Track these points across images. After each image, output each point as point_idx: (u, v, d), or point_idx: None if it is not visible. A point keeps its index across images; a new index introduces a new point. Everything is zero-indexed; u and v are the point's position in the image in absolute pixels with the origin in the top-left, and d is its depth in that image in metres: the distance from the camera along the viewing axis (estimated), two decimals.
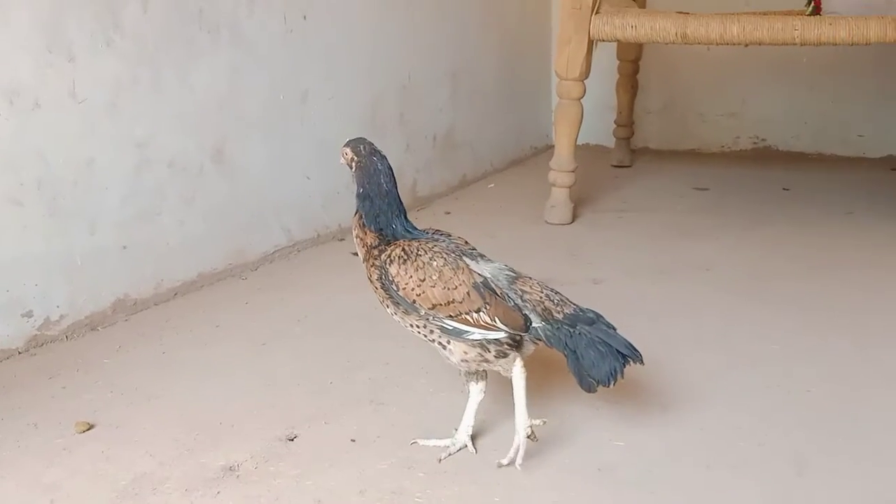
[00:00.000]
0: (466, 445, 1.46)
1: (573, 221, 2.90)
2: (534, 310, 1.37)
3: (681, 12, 2.66)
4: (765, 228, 2.74)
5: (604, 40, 2.76)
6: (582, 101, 2.80)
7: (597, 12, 2.68)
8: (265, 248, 2.52)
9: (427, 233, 1.47)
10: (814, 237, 2.63)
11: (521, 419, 1.40)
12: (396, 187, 1.49)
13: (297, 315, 2.12)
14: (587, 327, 1.36)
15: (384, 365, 1.81)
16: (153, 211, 2.17)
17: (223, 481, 1.38)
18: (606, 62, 3.54)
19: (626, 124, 3.76)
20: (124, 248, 2.10)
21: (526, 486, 1.36)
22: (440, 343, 1.40)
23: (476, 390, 1.46)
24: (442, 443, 1.46)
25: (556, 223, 2.88)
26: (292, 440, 1.51)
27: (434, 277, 1.36)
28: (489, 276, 1.40)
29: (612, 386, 1.33)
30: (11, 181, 1.85)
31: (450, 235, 1.48)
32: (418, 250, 1.40)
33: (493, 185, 3.51)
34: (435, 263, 1.38)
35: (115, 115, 2.04)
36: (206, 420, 1.60)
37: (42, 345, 1.93)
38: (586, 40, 2.69)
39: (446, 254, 1.40)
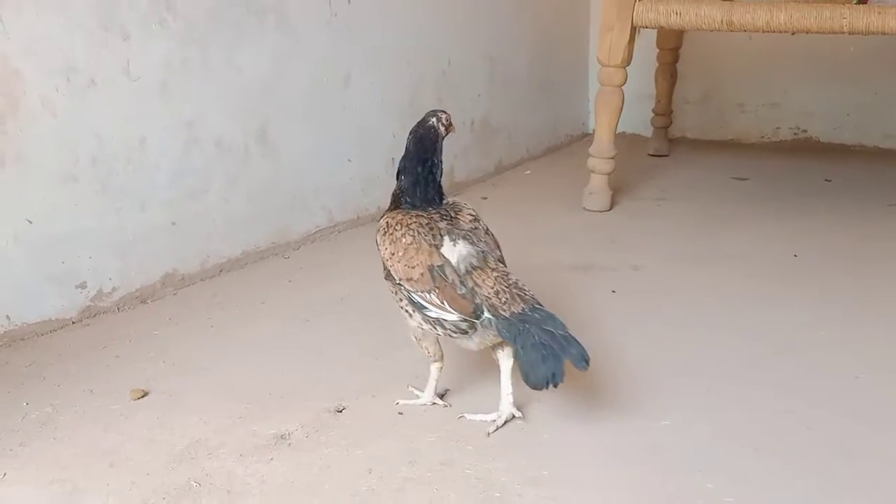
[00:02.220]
0: (514, 415, 1.48)
1: (611, 209, 2.90)
2: (483, 302, 1.38)
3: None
4: (806, 219, 2.71)
5: (647, 27, 2.75)
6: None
7: None
8: (307, 229, 2.56)
9: (443, 204, 1.52)
10: (856, 228, 2.60)
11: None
12: (432, 156, 1.54)
13: (339, 294, 2.15)
14: (534, 327, 1.34)
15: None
16: (200, 189, 2.22)
17: (276, 448, 1.42)
18: (645, 51, 3.52)
19: (665, 113, 3.74)
20: (173, 224, 2.15)
21: (574, 462, 1.38)
22: (406, 311, 1.47)
23: (504, 356, 1.47)
24: (489, 417, 1.48)
25: (594, 210, 2.88)
26: (341, 412, 1.54)
27: (399, 254, 1.44)
28: (455, 260, 1.42)
29: (550, 388, 1.31)
30: (68, 158, 1.90)
31: (460, 210, 1.51)
32: (397, 224, 1.47)
33: (529, 171, 3.51)
34: (403, 240, 1.44)
35: (165, 95, 2.08)
36: (256, 391, 1.64)
37: (94, 315, 1.99)
38: (629, 27, 2.68)
39: (418, 232, 1.44)
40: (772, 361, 1.74)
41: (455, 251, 1.43)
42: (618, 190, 3.00)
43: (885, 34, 2.38)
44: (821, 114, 3.79)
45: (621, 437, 1.45)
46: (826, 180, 3.22)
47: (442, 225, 1.46)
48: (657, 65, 3.68)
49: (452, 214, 1.50)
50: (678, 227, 2.69)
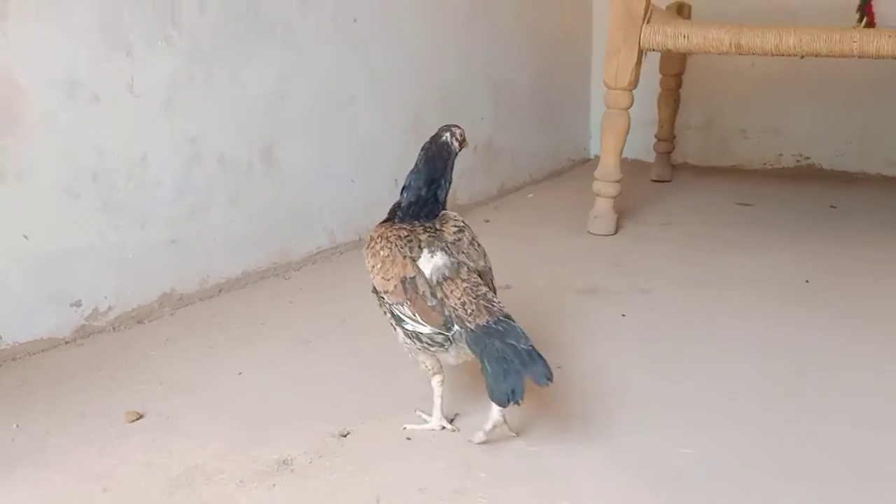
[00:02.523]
0: (503, 421, 1.42)
1: (616, 233, 2.87)
2: (451, 314, 1.36)
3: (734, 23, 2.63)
4: (813, 244, 2.68)
5: (654, 50, 2.73)
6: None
7: (647, 21, 2.66)
8: (308, 249, 2.52)
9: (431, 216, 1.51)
10: (865, 254, 2.57)
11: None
12: (440, 177, 1.54)
13: (340, 315, 2.10)
14: (498, 340, 1.30)
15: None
16: (202, 207, 2.17)
17: (278, 474, 1.36)
18: (648, 76, 3.50)
19: (668, 139, 3.72)
20: (173, 242, 2.10)
21: (593, 488, 1.33)
22: (391, 324, 1.47)
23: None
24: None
25: (599, 234, 2.84)
26: (345, 436, 1.49)
27: (378, 266, 1.46)
28: (429, 272, 1.40)
29: (512, 405, 1.27)
30: (68, 173, 1.86)
31: (446, 222, 1.49)
32: (378, 237, 1.49)
33: (531, 195, 3.48)
34: (381, 253, 1.45)
35: (169, 111, 2.05)
36: (256, 414, 1.58)
37: (89, 335, 1.93)
38: (636, 50, 2.66)
39: (395, 244, 1.44)
40: (790, 384, 1.69)
41: (431, 263, 1.41)
42: (621, 214, 2.97)
43: (895, 59, 2.36)
44: (823, 141, 3.78)
45: (640, 464, 1.40)
46: (831, 206, 3.20)
47: (423, 237, 1.45)
48: (660, 90, 3.68)
49: (438, 226, 1.49)
50: (685, 251, 2.65)
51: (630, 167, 3.83)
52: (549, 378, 1.27)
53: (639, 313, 2.09)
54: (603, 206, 2.86)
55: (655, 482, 1.35)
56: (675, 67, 3.60)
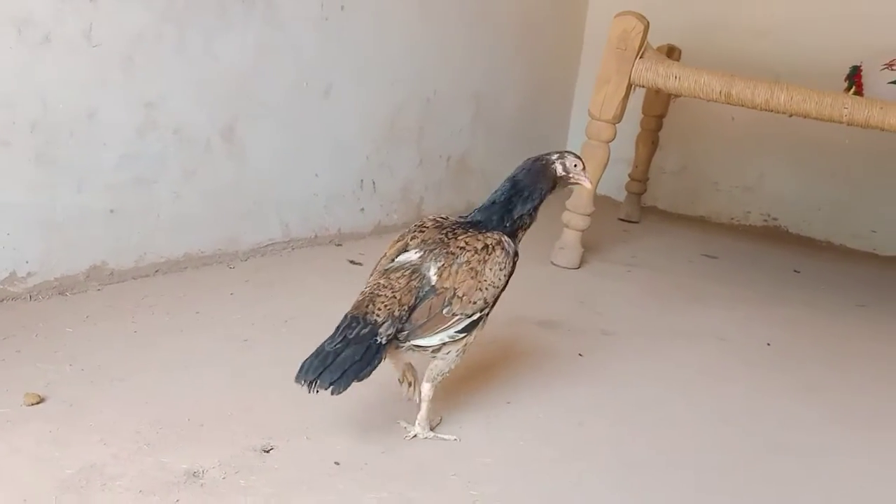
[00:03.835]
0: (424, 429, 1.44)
1: (580, 267, 2.78)
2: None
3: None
4: (778, 307, 2.63)
5: (643, 86, 2.67)
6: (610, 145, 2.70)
7: (641, 56, 2.59)
8: (259, 240, 2.36)
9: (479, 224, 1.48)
10: (828, 323, 2.53)
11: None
12: (506, 191, 1.50)
13: (284, 315, 1.95)
14: (337, 331, 1.34)
15: (378, 385, 1.64)
16: (149, 178, 2.00)
17: (184, 488, 1.20)
18: (629, 115, 3.46)
19: (641, 179, 3.67)
20: (111, 212, 1.93)
21: None
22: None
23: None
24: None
25: (563, 266, 2.75)
26: (268, 452, 1.34)
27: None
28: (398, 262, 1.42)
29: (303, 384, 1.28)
30: (3, 118, 1.68)
31: (474, 235, 1.43)
32: None
33: None
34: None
35: (128, 69, 1.88)
36: (174, 415, 1.42)
37: (2, 301, 1.74)
38: (626, 83, 2.59)
39: (409, 230, 1.48)
40: (751, 457, 1.60)
41: (405, 255, 1.42)
42: (587, 249, 2.88)
43: (883, 130, 2.33)
44: (793, 204, 3.77)
45: None
46: (795, 271, 3.17)
47: (432, 235, 1.43)
48: (640, 130, 3.63)
49: (457, 232, 1.44)
50: (649, 296, 2.58)
51: (599, 203, 3.75)
52: (299, 380, 1.29)
53: (597, 356, 1.99)
54: (570, 238, 2.77)
55: None
56: (658, 109, 3.56)
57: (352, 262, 2.45)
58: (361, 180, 2.71)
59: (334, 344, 1.31)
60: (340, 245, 2.61)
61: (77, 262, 1.88)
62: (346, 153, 2.60)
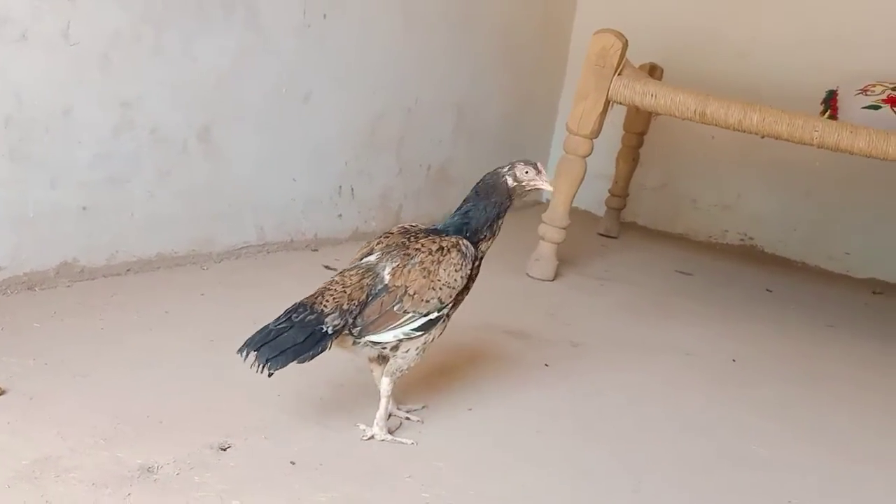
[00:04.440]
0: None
1: (554, 279, 2.80)
2: None
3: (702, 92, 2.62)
4: (747, 324, 2.66)
5: (620, 103, 2.70)
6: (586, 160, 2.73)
7: (619, 74, 2.63)
8: (233, 242, 2.37)
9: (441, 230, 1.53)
10: (796, 343, 2.56)
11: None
12: (464, 207, 1.54)
13: (253, 318, 1.92)
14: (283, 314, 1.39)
15: (338, 387, 1.66)
16: (123, 177, 2.01)
17: (138, 482, 1.21)
18: (609, 131, 3.50)
19: (621, 195, 3.71)
20: (84, 209, 1.94)
21: None
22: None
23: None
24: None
25: (537, 278, 2.78)
26: (224, 450, 1.35)
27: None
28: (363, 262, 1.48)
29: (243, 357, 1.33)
30: None
31: (425, 238, 1.47)
32: None
33: None
34: None
35: (105, 68, 1.90)
36: (133, 411, 1.43)
37: None
38: (604, 99, 2.63)
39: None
40: (708, 469, 1.62)
41: (368, 258, 1.47)
42: (563, 262, 2.91)
43: (852, 153, 2.38)
44: (770, 224, 3.82)
45: None
46: (767, 290, 3.21)
47: (396, 240, 1.48)
48: (620, 146, 3.67)
49: (419, 237, 1.48)
50: (620, 310, 2.60)
51: (579, 217, 3.81)
52: (240, 352, 1.33)
53: (563, 366, 2.02)
54: (545, 250, 2.79)
55: None
56: (639, 126, 3.60)
57: (327, 267, 2.46)
58: (340, 186, 2.73)
59: (278, 323, 1.36)
60: (316, 250, 2.63)
61: (48, 258, 1.89)
62: (325, 159, 2.62)
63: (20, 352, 1.57)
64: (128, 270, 2.07)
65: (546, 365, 2.01)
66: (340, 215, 2.74)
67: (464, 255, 1.45)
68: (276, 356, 1.32)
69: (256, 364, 1.31)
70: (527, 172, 1.52)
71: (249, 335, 1.71)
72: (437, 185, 3.24)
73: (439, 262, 1.42)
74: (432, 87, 3.07)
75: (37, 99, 1.78)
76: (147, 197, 2.08)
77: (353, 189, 2.77)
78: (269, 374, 1.33)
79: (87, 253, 1.97)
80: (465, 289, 1.49)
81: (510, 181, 1.52)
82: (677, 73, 3.51)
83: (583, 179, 2.76)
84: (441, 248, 1.44)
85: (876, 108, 2.76)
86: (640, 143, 3.67)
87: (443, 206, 3.30)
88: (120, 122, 1.96)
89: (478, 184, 1.54)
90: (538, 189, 1.55)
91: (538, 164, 1.54)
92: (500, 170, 1.54)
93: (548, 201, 2.96)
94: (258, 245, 2.45)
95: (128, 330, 1.76)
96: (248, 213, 2.40)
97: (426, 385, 1.73)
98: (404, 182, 3.05)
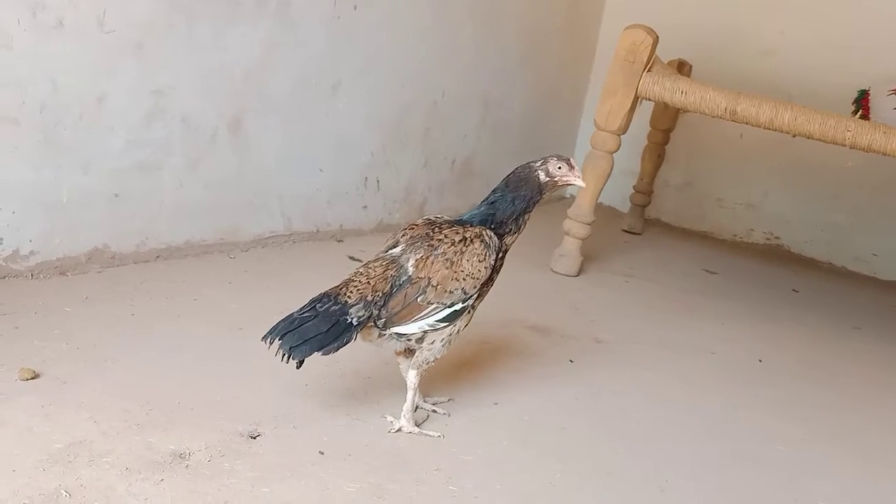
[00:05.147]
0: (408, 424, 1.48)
1: (579, 275, 2.80)
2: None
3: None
4: (772, 325, 2.64)
5: (650, 99, 2.68)
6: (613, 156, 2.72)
7: (649, 70, 2.61)
8: (260, 231, 2.39)
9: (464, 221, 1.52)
10: (821, 344, 2.54)
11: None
12: (492, 198, 1.53)
13: (280, 307, 1.93)
14: (307, 304, 1.40)
15: (366, 378, 1.67)
16: (155, 164, 2.03)
17: (170, 468, 1.23)
18: (635, 128, 3.48)
19: (646, 192, 3.68)
20: (116, 195, 1.96)
21: None
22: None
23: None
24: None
25: (562, 273, 2.77)
26: (254, 438, 1.36)
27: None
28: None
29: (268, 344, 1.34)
30: (14, 97, 1.71)
31: (457, 231, 1.47)
32: None
33: None
34: None
35: (139, 56, 1.91)
36: (164, 397, 1.44)
37: (3, 277, 1.77)
38: (633, 95, 2.61)
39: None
40: (728, 469, 1.62)
41: (393, 250, 1.47)
42: (587, 258, 2.90)
43: (885, 155, 2.34)
44: (796, 224, 3.78)
45: None
46: (794, 290, 3.18)
47: (420, 231, 1.48)
48: (646, 143, 3.64)
49: (443, 228, 1.48)
50: (645, 307, 2.59)
51: (603, 213, 3.79)
52: (265, 339, 1.35)
53: (588, 363, 2.01)
54: (570, 246, 2.78)
55: None
56: (666, 123, 3.57)
57: (352, 258, 2.47)
58: (366, 178, 2.73)
59: (302, 312, 1.37)
60: (342, 241, 2.64)
61: (79, 244, 1.91)
62: (352, 150, 2.63)
63: (53, 336, 1.59)
64: (157, 257, 2.09)
65: (571, 361, 2.00)
66: (365, 207, 2.75)
67: (487, 246, 1.45)
68: (299, 345, 1.33)
69: (280, 352, 1.31)
70: (560, 168, 1.52)
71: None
72: (461, 179, 3.23)
73: (462, 253, 1.42)
74: (459, 81, 3.06)
75: (72, 86, 1.80)
76: (177, 185, 2.09)
77: (378, 181, 2.78)
78: (298, 366, 1.34)
79: (117, 239, 1.99)
80: (490, 280, 1.48)
81: (542, 176, 1.51)
82: (705, 70, 3.48)
83: (609, 176, 2.75)
84: (464, 239, 1.44)
85: None
86: (666, 140, 3.64)
87: (467, 199, 3.30)
88: (152, 110, 1.98)
89: (508, 176, 1.53)
90: (570, 185, 1.55)
91: (571, 160, 1.53)
92: (532, 164, 1.53)
93: (572, 196, 2.95)
94: (285, 235, 2.46)
95: (157, 316, 1.78)
96: (274, 202, 2.42)
97: (451, 378, 1.73)
98: (429, 175, 3.05)
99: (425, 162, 3.00)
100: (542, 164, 1.52)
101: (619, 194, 3.81)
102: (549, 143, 3.91)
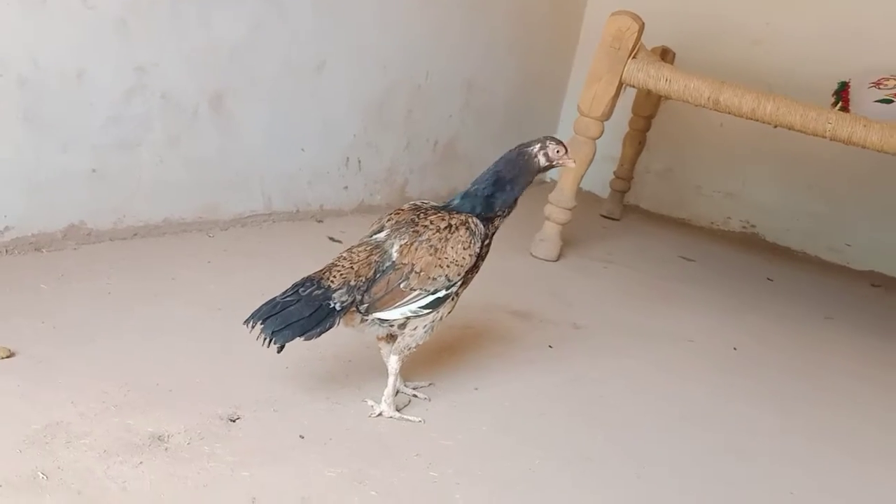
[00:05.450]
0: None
1: (558, 260, 2.81)
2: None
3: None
4: (748, 313, 2.68)
5: (634, 87, 2.69)
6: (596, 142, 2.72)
7: (633, 56, 2.61)
8: (240, 210, 2.36)
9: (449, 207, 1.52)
10: (795, 334, 2.58)
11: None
12: (489, 184, 1.52)
13: (260, 287, 1.93)
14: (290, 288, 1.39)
15: (347, 362, 1.67)
16: (134, 141, 2.00)
17: (148, 451, 1.22)
18: (618, 114, 3.48)
19: (626, 178, 3.70)
20: (93, 171, 1.93)
21: None
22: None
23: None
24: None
25: (541, 258, 2.78)
26: (234, 422, 1.36)
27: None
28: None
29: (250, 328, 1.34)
30: None
31: (443, 218, 1.46)
32: None
33: None
34: None
35: (121, 33, 1.87)
36: (142, 379, 1.43)
37: None
38: (617, 82, 2.61)
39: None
40: (705, 456, 1.64)
41: (378, 235, 1.47)
42: (566, 244, 2.92)
43: (864, 148, 2.37)
44: (772, 213, 3.82)
45: None
46: (768, 279, 3.22)
47: (406, 217, 1.47)
48: (628, 129, 3.65)
49: (428, 214, 1.47)
50: (623, 293, 2.61)
51: (582, 198, 3.78)
52: (247, 323, 1.34)
53: (567, 349, 2.03)
54: (550, 231, 2.79)
55: None
56: (648, 110, 3.58)
57: (332, 238, 2.46)
58: (347, 158, 2.71)
59: (285, 296, 1.36)
60: (322, 221, 2.62)
61: (55, 220, 1.88)
62: (334, 131, 2.61)
63: (28, 313, 1.57)
64: (134, 235, 2.07)
65: (550, 346, 2.02)
66: (346, 187, 2.74)
67: (472, 233, 1.45)
68: (281, 329, 1.32)
69: (262, 336, 1.31)
70: (558, 152, 1.51)
71: (256, 305, 1.72)
72: (443, 161, 3.22)
73: (447, 240, 1.42)
74: (443, 63, 3.04)
75: (51, 61, 1.76)
76: (156, 162, 2.06)
77: (360, 161, 2.76)
78: (279, 350, 1.33)
79: (94, 216, 1.96)
80: (475, 268, 1.49)
81: (542, 160, 1.51)
82: (688, 58, 3.49)
83: (591, 161, 2.75)
84: (450, 226, 1.44)
85: (888, 101, 2.74)
86: (647, 127, 3.66)
87: (448, 181, 3.29)
88: (133, 87, 1.94)
89: (500, 162, 1.52)
90: (564, 166, 1.55)
91: (564, 142, 1.53)
92: (529, 149, 1.51)
93: (553, 181, 2.96)
94: (265, 214, 2.44)
95: (135, 295, 1.76)
96: (255, 181, 2.39)
97: (432, 363, 1.74)
98: (411, 156, 3.03)
99: (407, 143, 2.99)
100: (540, 149, 1.51)
101: (599, 179, 3.82)
102: (532, 127, 3.90)
